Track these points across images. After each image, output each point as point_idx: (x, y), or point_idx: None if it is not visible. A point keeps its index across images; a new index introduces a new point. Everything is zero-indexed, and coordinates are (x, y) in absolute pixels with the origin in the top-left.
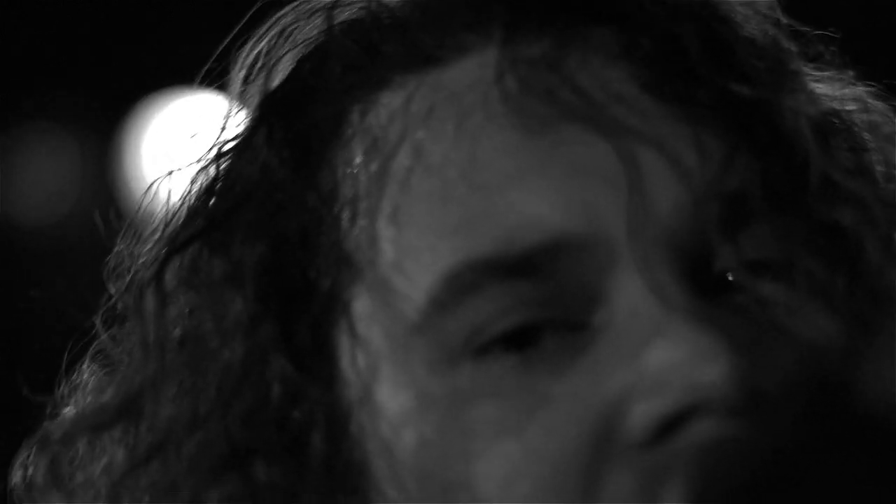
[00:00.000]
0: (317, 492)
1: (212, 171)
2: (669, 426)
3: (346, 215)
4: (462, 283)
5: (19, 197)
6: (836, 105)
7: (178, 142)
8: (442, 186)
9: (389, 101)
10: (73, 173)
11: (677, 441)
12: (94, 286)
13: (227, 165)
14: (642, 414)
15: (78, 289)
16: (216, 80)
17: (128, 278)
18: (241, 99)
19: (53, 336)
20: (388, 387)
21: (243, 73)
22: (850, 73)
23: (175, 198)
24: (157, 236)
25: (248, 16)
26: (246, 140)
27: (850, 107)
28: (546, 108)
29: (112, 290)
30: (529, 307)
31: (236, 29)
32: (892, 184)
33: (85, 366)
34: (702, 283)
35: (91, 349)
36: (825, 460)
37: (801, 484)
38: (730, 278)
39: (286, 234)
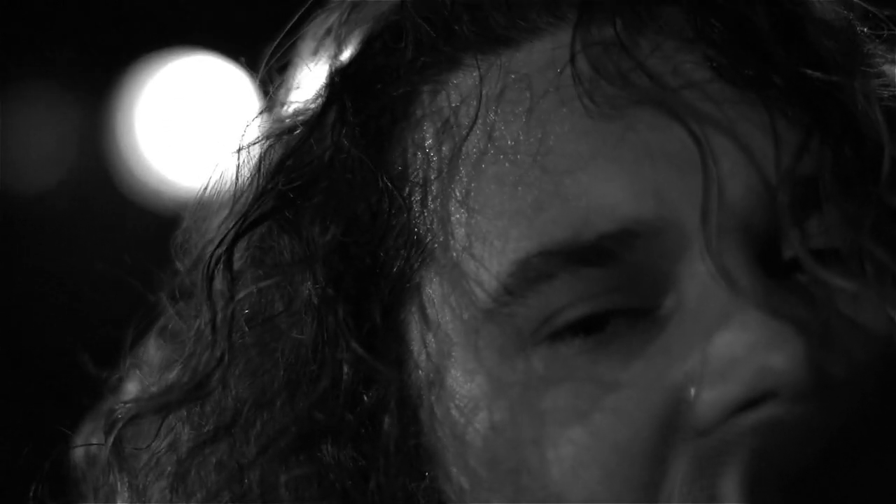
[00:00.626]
0: (386, 475)
1: (281, 148)
2: (736, 412)
3: (416, 197)
4: (534, 271)
5: (16, 158)
6: None
7: (174, 103)
8: (513, 170)
9: (461, 83)
10: (70, 133)
11: (739, 426)
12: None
13: (297, 143)
14: (710, 401)
15: (141, 264)
16: (216, 42)
17: (195, 255)
18: (308, 73)
19: (115, 310)
20: (458, 371)
21: (314, 44)
22: None
23: (244, 173)
24: (225, 213)
25: None
26: (317, 118)
27: None
28: (618, 92)
29: (179, 266)
30: (601, 294)
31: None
32: None
33: (151, 342)
34: (771, 268)
35: (157, 325)
36: (887, 446)
37: (860, 468)
38: (799, 264)
39: (356, 214)
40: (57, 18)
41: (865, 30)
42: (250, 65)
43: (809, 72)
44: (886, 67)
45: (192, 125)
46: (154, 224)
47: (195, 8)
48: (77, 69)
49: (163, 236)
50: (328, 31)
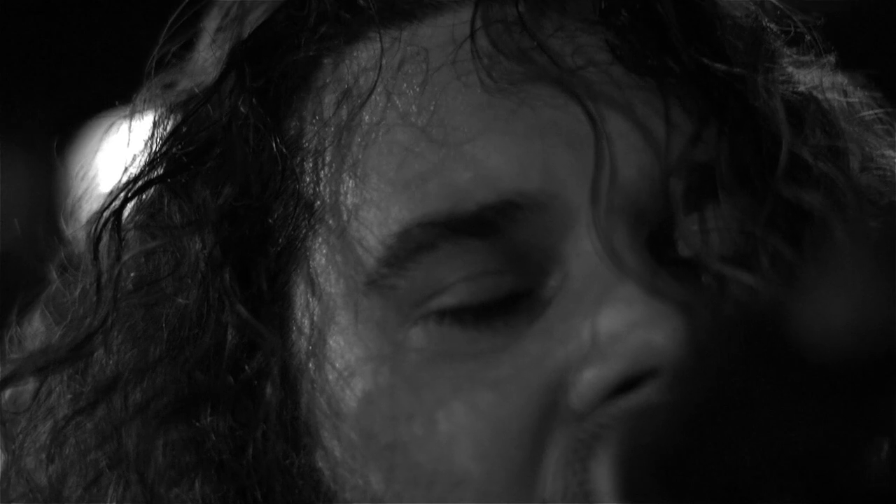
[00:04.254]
0: (264, 446)
1: (176, 116)
2: (615, 394)
3: (309, 164)
4: (414, 241)
5: None
6: (813, 90)
7: (126, 160)
8: (404, 140)
9: (362, 54)
10: (21, 190)
11: (616, 408)
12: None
13: (193, 108)
14: (589, 380)
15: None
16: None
17: (84, 220)
18: (212, 47)
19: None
20: (339, 339)
21: (216, 21)
22: (831, 59)
23: (136, 143)
24: (116, 181)
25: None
26: (215, 84)
27: (829, 93)
28: (517, 68)
29: (67, 235)
30: (483, 268)
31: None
32: (866, 172)
33: (35, 313)
34: (658, 251)
35: (42, 296)
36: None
37: (734, 448)
38: (687, 250)
39: (248, 180)
40: (10, 76)
41: (774, 28)
42: None
43: (710, 63)
44: (791, 68)
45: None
46: None
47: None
48: (30, 129)
49: None
50: (232, 4)
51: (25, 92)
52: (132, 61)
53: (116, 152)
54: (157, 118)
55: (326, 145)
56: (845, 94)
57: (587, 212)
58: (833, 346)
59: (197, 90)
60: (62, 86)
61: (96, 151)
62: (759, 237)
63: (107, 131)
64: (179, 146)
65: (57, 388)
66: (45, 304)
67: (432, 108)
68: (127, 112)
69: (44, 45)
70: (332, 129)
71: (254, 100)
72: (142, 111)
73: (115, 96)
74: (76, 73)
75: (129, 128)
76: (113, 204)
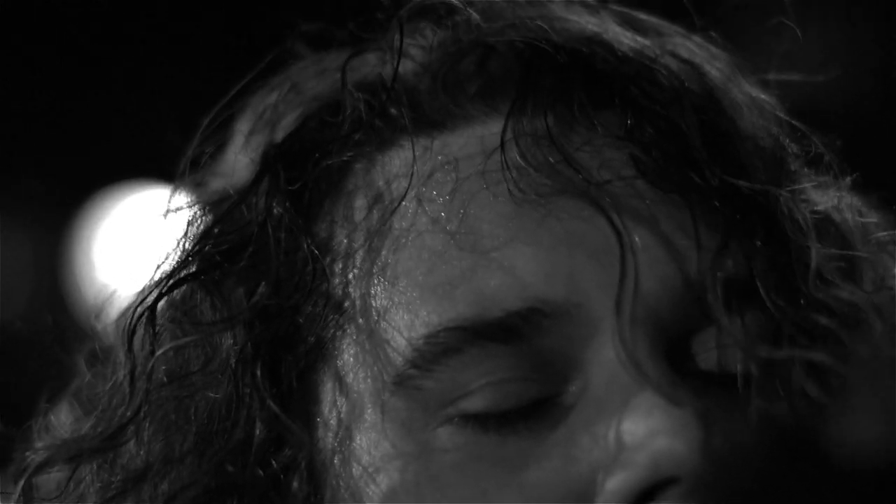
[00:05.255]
0: None
1: (210, 215)
2: (639, 500)
3: (339, 266)
4: (441, 345)
5: None
6: (830, 210)
7: (132, 236)
8: (434, 246)
9: (394, 161)
10: (26, 267)
11: None
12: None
13: (228, 209)
14: (613, 488)
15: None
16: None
17: (119, 314)
18: (244, 150)
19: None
20: (365, 437)
21: (249, 124)
22: (848, 180)
23: (170, 241)
24: (149, 277)
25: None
26: (249, 186)
27: (845, 213)
28: (545, 181)
29: (97, 328)
30: (508, 374)
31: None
32: (882, 290)
33: (64, 403)
34: (678, 362)
35: (71, 386)
36: None
37: None
38: (709, 360)
39: (280, 280)
40: (14, 151)
41: (794, 148)
42: None
43: (733, 180)
44: (809, 188)
45: (150, 259)
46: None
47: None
48: (35, 202)
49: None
50: (266, 109)
51: (28, 165)
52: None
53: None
54: (190, 217)
55: (356, 248)
56: (860, 214)
57: (610, 321)
58: (860, 459)
59: (231, 191)
60: (66, 160)
61: (100, 227)
62: (787, 350)
63: (111, 206)
64: (213, 245)
65: (86, 477)
66: (74, 395)
67: (461, 215)
68: (129, 186)
69: (48, 119)
70: (363, 232)
71: (287, 202)
72: (174, 210)
73: (120, 171)
74: (80, 148)
75: (164, 216)
76: (147, 299)
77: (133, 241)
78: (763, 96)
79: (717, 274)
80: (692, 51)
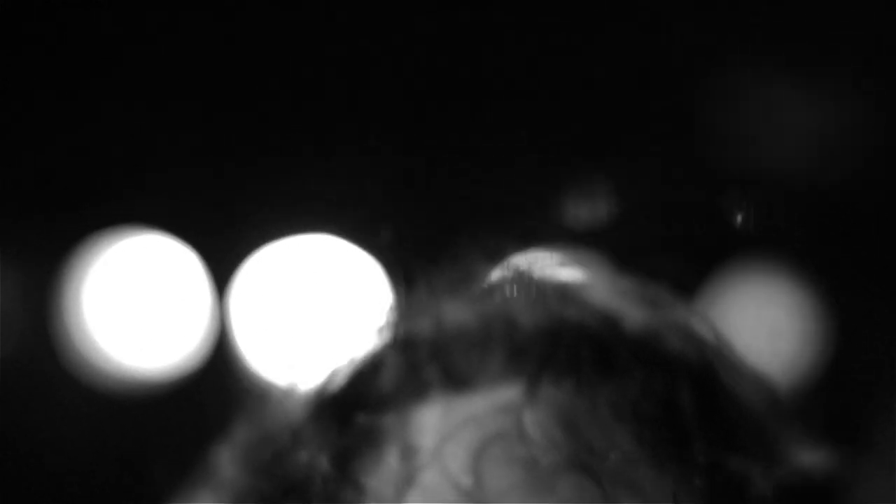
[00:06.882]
0: None
1: (267, 452)
2: None
3: None
4: None
5: None
6: (813, 478)
7: (121, 282)
8: (451, 500)
9: (423, 415)
10: (14, 308)
11: None
12: None
13: (282, 450)
14: None
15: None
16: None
17: None
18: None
19: None
20: None
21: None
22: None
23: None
24: None
25: None
26: (300, 432)
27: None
28: (554, 456)
29: None
30: None
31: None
32: None
33: None
34: None
35: None
36: None
37: None
38: None
39: None
40: (5, 194)
41: (783, 426)
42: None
43: (723, 457)
44: (798, 462)
45: (140, 305)
46: (100, 404)
47: (146, 187)
48: (25, 245)
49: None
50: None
51: (25, 210)
52: (129, 184)
53: (112, 273)
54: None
55: (387, 497)
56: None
57: None
58: None
59: (276, 444)
60: (59, 205)
61: (93, 271)
62: None
63: (104, 251)
64: (268, 485)
65: None
66: None
67: (479, 476)
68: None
69: (42, 164)
70: (393, 484)
71: (332, 451)
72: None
73: (114, 216)
74: (74, 193)
75: None
76: None
77: (123, 286)
78: (757, 372)
79: None
80: (693, 325)
